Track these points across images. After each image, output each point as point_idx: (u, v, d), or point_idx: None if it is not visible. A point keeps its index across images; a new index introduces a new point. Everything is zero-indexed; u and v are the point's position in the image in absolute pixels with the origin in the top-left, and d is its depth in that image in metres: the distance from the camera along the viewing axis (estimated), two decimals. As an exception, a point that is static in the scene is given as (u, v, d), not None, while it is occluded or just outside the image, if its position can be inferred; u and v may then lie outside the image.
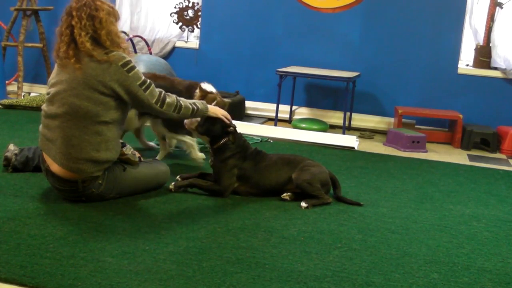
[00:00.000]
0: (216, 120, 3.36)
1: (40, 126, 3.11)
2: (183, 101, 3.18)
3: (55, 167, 3.01)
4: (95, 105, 2.96)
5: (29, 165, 3.50)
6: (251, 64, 6.33)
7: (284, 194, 3.38)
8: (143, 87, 3.02)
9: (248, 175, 3.41)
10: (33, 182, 3.35)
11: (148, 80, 3.07)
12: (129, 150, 3.23)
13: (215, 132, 3.39)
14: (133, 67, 3.02)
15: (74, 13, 2.97)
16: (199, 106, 3.24)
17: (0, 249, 2.44)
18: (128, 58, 3.03)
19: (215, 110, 3.35)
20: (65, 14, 3.03)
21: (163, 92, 3.12)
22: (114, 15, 3.09)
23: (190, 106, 3.19)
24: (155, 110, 3.10)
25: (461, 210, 3.48)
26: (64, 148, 2.97)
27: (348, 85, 5.64)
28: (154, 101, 3.05)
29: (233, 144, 3.40)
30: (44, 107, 3.09)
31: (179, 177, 3.53)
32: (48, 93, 3.07)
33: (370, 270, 2.51)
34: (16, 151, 3.52)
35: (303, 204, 3.28)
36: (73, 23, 2.97)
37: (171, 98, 3.12)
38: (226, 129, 3.39)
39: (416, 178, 4.17)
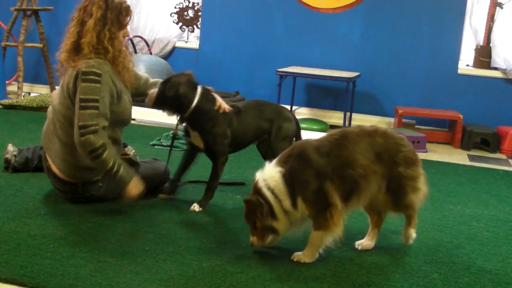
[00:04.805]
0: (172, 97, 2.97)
1: (45, 124, 3.09)
2: (110, 154, 2.77)
3: (55, 168, 3.01)
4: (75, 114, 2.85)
5: (28, 165, 3.49)
6: (251, 64, 6.32)
7: None
8: (82, 104, 2.75)
9: (233, 136, 3.15)
10: (33, 182, 3.35)
11: (95, 105, 2.76)
12: (130, 150, 3.24)
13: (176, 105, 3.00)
14: (93, 80, 2.77)
15: (76, 14, 2.94)
16: (120, 172, 2.81)
17: (0, 249, 2.44)
18: (96, 70, 2.79)
19: (132, 188, 2.89)
20: (75, 11, 2.96)
21: (100, 129, 2.75)
22: (117, 20, 2.93)
23: (110, 164, 2.77)
24: (75, 134, 2.76)
25: (461, 210, 3.48)
26: (61, 154, 2.96)
27: (348, 85, 5.63)
28: (80, 124, 2.73)
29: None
30: (49, 109, 3.07)
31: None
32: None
33: (370, 270, 2.51)
34: (15, 152, 3.51)
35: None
36: (71, 25, 2.94)
37: (98, 138, 2.73)
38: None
39: (416, 178, 4.16)
